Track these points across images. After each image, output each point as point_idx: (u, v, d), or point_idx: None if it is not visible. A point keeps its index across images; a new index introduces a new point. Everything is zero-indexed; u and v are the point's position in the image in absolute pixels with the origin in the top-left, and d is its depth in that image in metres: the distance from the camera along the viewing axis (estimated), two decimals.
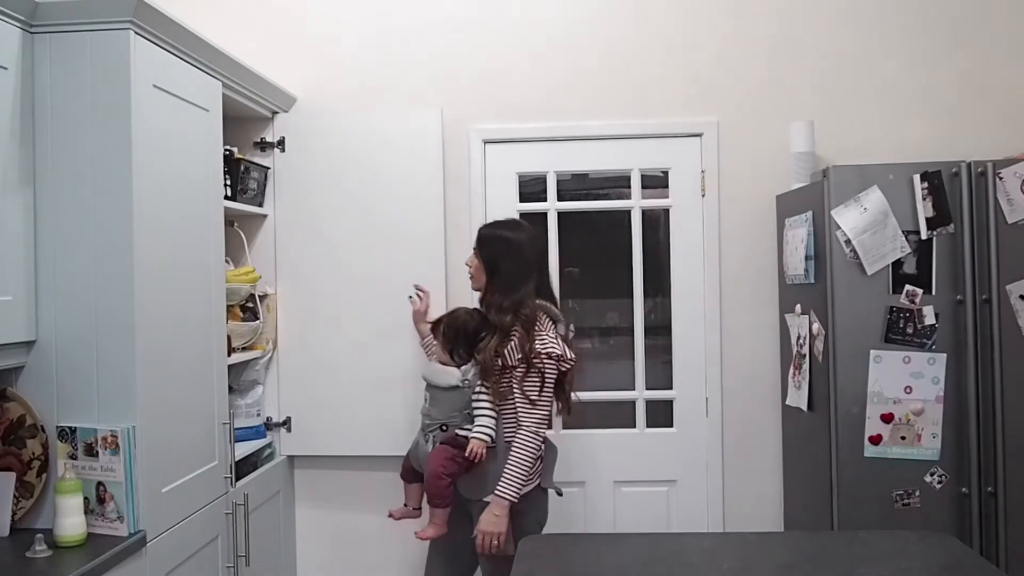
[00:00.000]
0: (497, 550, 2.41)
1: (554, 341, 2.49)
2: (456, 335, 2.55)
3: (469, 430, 2.50)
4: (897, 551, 2.11)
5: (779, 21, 3.22)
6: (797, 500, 3.10)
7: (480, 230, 2.68)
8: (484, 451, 2.46)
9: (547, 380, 2.47)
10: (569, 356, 2.50)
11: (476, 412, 2.50)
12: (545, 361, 2.45)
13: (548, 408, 2.51)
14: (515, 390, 2.47)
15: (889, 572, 1.98)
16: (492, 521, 2.41)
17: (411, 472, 2.69)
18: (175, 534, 2.27)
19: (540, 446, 2.49)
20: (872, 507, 2.65)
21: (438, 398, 2.55)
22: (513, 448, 2.44)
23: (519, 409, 2.46)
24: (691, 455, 3.25)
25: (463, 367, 2.55)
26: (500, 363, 2.46)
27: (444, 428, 2.52)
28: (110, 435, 2.08)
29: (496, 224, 2.70)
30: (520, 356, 2.45)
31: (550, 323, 2.54)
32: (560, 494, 2.65)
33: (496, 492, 2.41)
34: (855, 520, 2.63)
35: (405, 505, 2.74)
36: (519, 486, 2.42)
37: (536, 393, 2.46)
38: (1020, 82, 3.18)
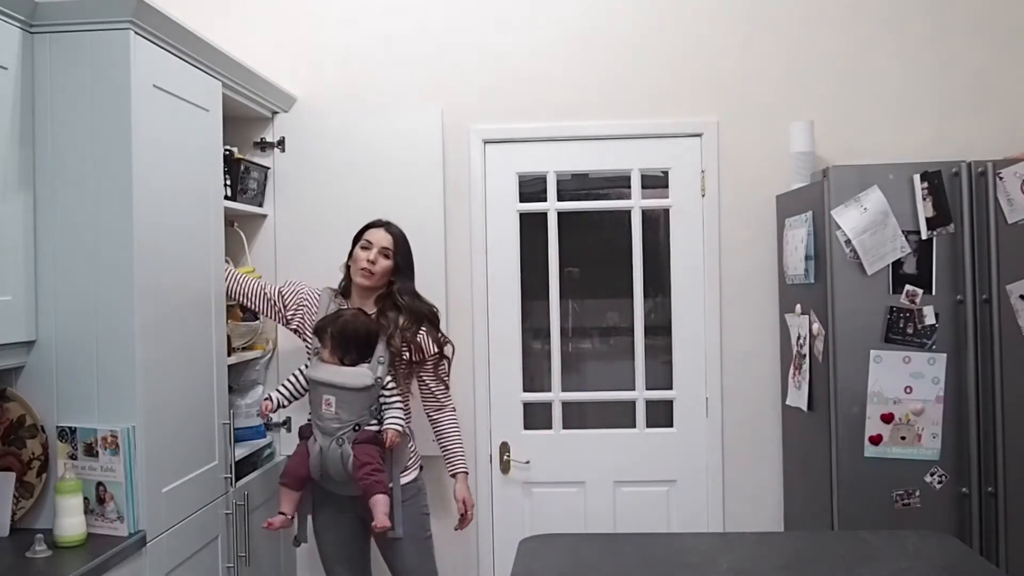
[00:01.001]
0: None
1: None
2: (348, 341, 2.57)
3: (377, 425, 2.58)
4: (897, 551, 2.12)
5: (779, 21, 3.22)
6: (797, 500, 3.10)
7: (392, 230, 2.75)
8: (399, 440, 2.59)
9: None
10: None
11: (387, 406, 2.60)
12: (451, 349, 2.81)
13: None
14: (428, 380, 2.77)
15: (889, 572, 1.98)
16: (467, 491, 2.80)
17: (300, 480, 2.61)
18: (175, 534, 2.27)
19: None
20: (872, 507, 2.65)
21: (348, 400, 2.54)
22: (450, 427, 2.80)
23: (438, 394, 2.79)
24: (691, 455, 3.25)
25: (369, 366, 2.59)
26: (408, 355, 2.65)
27: (356, 428, 2.55)
28: (110, 435, 2.08)
29: (396, 226, 2.80)
30: (436, 350, 2.75)
31: None
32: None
33: (461, 469, 2.80)
34: (855, 520, 2.63)
35: (282, 513, 2.62)
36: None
37: (448, 377, 2.81)
38: (1020, 82, 3.18)
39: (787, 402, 3.06)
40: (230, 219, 2.97)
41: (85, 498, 2.07)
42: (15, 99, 2.06)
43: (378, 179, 3.09)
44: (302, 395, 2.67)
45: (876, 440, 2.65)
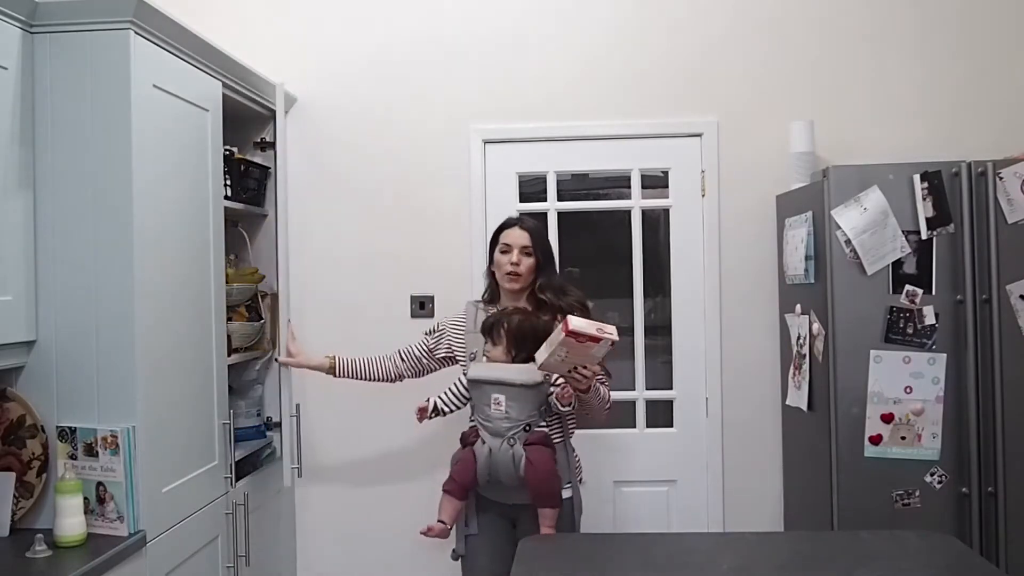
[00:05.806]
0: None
1: None
2: (526, 337, 2.44)
3: (547, 427, 2.46)
4: (897, 551, 2.11)
5: (779, 21, 3.22)
6: (797, 500, 3.10)
7: (527, 225, 2.65)
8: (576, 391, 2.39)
9: None
10: None
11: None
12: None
13: None
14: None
15: (889, 572, 1.98)
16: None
17: (465, 488, 2.44)
18: (175, 534, 2.27)
19: (605, 408, 2.54)
20: (872, 507, 2.65)
21: (518, 397, 2.41)
22: (599, 391, 2.47)
23: (599, 380, 2.45)
24: (691, 455, 3.25)
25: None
26: None
27: (527, 428, 2.42)
28: (110, 435, 2.08)
29: (528, 218, 2.75)
30: None
31: None
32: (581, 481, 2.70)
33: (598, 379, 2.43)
34: (855, 520, 2.63)
35: (441, 522, 2.44)
36: (593, 391, 2.42)
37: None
38: (1020, 82, 3.18)
39: (787, 402, 3.05)
40: (233, 219, 2.97)
41: (85, 498, 2.07)
42: (15, 99, 2.06)
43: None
44: (463, 404, 2.54)
45: (876, 440, 2.65)
